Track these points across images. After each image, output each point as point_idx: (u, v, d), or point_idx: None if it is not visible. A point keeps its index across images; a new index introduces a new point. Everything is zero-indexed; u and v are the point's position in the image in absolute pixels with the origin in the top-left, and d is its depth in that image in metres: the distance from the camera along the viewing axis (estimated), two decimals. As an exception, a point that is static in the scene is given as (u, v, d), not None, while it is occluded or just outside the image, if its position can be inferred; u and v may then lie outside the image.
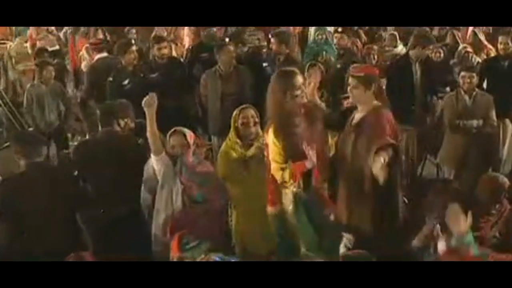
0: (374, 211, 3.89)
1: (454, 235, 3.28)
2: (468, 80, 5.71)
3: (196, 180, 4.28)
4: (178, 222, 4.21)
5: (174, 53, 7.99)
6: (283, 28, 7.06)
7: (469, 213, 3.36)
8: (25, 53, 8.89)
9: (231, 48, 6.19)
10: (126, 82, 6.19)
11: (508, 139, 6.41)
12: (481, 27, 8.02)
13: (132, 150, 4.56)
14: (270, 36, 6.90)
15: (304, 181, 4.00)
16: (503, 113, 6.09)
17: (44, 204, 3.84)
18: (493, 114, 5.76)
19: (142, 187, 4.40)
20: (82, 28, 8.88)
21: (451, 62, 7.45)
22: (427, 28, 7.38)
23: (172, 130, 4.35)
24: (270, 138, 4.03)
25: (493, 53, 7.29)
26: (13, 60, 7.85)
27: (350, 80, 3.99)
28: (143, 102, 4.14)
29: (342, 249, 3.95)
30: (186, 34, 8.87)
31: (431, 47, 6.45)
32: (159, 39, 6.74)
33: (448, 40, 8.21)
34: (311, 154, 3.91)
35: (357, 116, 4.01)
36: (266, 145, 4.15)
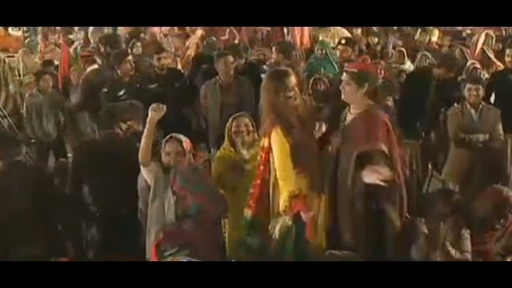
0: (366, 231, 3.72)
1: None
2: (475, 93, 5.54)
3: (190, 188, 4.13)
4: (170, 235, 4.07)
5: (179, 66, 7.96)
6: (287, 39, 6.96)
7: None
8: (33, 67, 8.96)
9: (231, 58, 6.07)
10: (121, 93, 6.08)
11: (515, 155, 6.19)
12: (490, 44, 7.90)
13: (131, 154, 4.41)
14: (271, 46, 6.80)
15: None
16: (511, 127, 5.87)
17: (23, 205, 3.75)
18: (500, 128, 5.59)
19: (139, 198, 4.31)
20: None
21: (459, 78, 7.28)
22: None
23: (168, 136, 4.23)
24: (275, 139, 3.74)
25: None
26: (15, 72, 7.80)
27: (344, 75, 3.82)
28: (151, 107, 4.05)
29: None
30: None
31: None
32: (158, 50, 6.67)
33: (457, 56, 8.06)
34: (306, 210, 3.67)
35: (348, 117, 3.83)
36: (263, 149, 3.91)
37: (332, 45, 7.60)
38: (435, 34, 9.35)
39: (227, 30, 9.73)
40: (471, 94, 5.55)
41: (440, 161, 6.14)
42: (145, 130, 4.11)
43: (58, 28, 10.90)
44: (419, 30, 9.39)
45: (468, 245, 4.07)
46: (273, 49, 6.50)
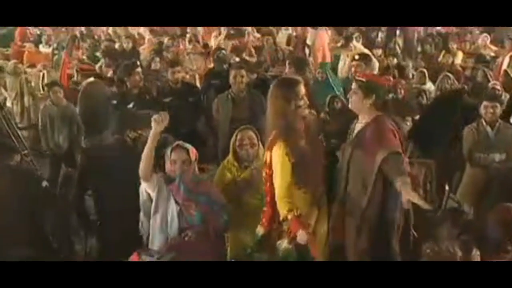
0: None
1: None
2: (491, 111, 5.36)
3: (194, 198, 4.06)
4: (173, 247, 3.99)
5: (198, 83, 7.96)
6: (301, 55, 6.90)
7: None
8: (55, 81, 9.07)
9: (243, 72, 6.02)
10: (131, 105, 6.06)
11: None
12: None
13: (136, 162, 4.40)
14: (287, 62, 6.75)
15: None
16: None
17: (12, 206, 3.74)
18: (518, 148, 5.36)
19: (141, 211, 4.24)
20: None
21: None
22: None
23: (175, 144, 4.15)
24: (277, 155, 3.64)
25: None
26: (33, 85, 7.90)
27: (353, 84, 3.76)
28: (153, 118, 3.94)
29: None
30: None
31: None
32: (173, 63, 6.67)
33: (479, 78, 7.92)
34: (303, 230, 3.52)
35: (357, 127, 3.74)
36: (266, 164, 3.81)
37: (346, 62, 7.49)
38: (458, 56, 9.22)
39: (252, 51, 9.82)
40: (488, 112, 5.37)
41: (456, 181, 5.93)
42: (148, 144, 3.92)
43: (82, 44, 11.11)
44: (442, 52, 9.29)
45: None
46: (287, 63, 6.42)
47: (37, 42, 13.39)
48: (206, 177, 4.35)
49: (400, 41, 10.54)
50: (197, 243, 4.00)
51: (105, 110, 6.09)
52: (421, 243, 4.07)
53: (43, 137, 6.82)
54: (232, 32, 10.77)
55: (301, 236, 3.49)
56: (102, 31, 14.24)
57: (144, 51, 10.84)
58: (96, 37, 13.71)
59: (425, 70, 8.35)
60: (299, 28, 11.41)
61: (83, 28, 14.64)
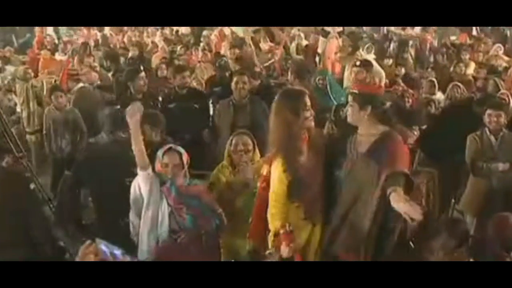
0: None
1: None
2: (495, 119, 5.22)
3: (185, 201, 4.03)
4: (163, 251, 3.96)
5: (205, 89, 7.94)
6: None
7: None
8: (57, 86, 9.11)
9: (245, 78, 5.99)
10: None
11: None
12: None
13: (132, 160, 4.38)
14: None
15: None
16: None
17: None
18: (523, 157, 5.20)
19: (131, 210, 4.21)
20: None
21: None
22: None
23: (167, 147, 4.14)
24: (275, 172, 3.61)
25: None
26: (37, 90, 7.96)
27: (349, 96, 3.67)
28: (126, 110, 3.95)
29: None
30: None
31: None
32: (180, 68, 6.65)
33: (490, 88, 7.78)
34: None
35: (359, 139, 3.63)
36: (264, 178, 3.77)
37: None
38: (471, 67, 9.09)
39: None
40: (492, 121, 5.23)
41: (460, 191, 5.80)
42: (132, 137, 3.96)
43: (95, 52, 11.21)
44: (454, 62, 9.17)
45: None
46: (289, 71, 6.37)
47: (54, 50, 13.54)
48: (199, 181, 4.29)
49: (412, 51, 10.45)
50: (188, 246, 3.97)
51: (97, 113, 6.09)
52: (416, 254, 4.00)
53: (46, 141, 6.87)
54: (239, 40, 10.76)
55: (285, 251, 3.42)
56: (117, 40, 14.37)
57: (156, 59, 10.86)
58: (111, 45, 13.82)
59: (434, 80, 8.21)
60: (311, 37, 11.37)
61: (99, 36, 14.82)
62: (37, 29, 15.09)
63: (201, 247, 4.08)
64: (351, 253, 3.57)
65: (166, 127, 5.05)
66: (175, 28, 14.24)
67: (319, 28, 9.37)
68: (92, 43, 13.22)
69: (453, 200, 6.11)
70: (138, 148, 3.96)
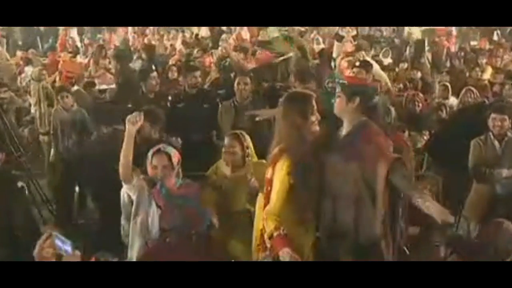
0: None
1: None
2: (499, 123, 5.08)
3: (176, 202, 4.01)
4: (152, 251, 3.94)
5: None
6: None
7: None
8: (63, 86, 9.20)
9: (248, 79, 5.95)
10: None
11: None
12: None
13: None
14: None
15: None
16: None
17: None
18: (527, 163, 5.04)
19: (122, 214, 4.22)
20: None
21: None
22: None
23: (156, 148, 4.12)
24: (279, 174, 3.49)
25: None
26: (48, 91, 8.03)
27: (337, 87, 3.57)
28: (127, 118, 3.92)
29: None
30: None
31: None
32: (192, 68, 6.66)
33: (505, 92, 7.63)
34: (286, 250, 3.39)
35: (341, 134, 3.52)
36: (267, 180, 3.64)
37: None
38: (487, 72, 8.91)
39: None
40: (495, 125, 5.09)
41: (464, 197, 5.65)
42: (124, 145, 3.90)
43: (108, 53, 11.28)
44: (471, 66, 9.02)
45: None
46: (292, 75, 6.32)
47: (75, 52, 13.71)
48: (191, 181, 4.25)
49: (429, 55, 10.29)
50: (177, 246, 3.94)
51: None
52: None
53: (54, 142, 6.89)
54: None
55: (284, 254, 3.34)
56: (139, 42, 14.48)
57: (171, 61, 10.90)
58: (133, 49, 13.93)
59: (448, 84, 8.07)
60: (326, 41, 11.27)
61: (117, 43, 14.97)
62: (60, 32, 15.30)
63: (191, 247, 4.05)
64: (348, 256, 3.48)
65: (175, 126, 5.07)
66: (195, 31, 14.29)
67: (334, 31, 9.28)
68: (112, 46, 13.35)
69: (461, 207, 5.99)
70: (125, 160, 3.91)
